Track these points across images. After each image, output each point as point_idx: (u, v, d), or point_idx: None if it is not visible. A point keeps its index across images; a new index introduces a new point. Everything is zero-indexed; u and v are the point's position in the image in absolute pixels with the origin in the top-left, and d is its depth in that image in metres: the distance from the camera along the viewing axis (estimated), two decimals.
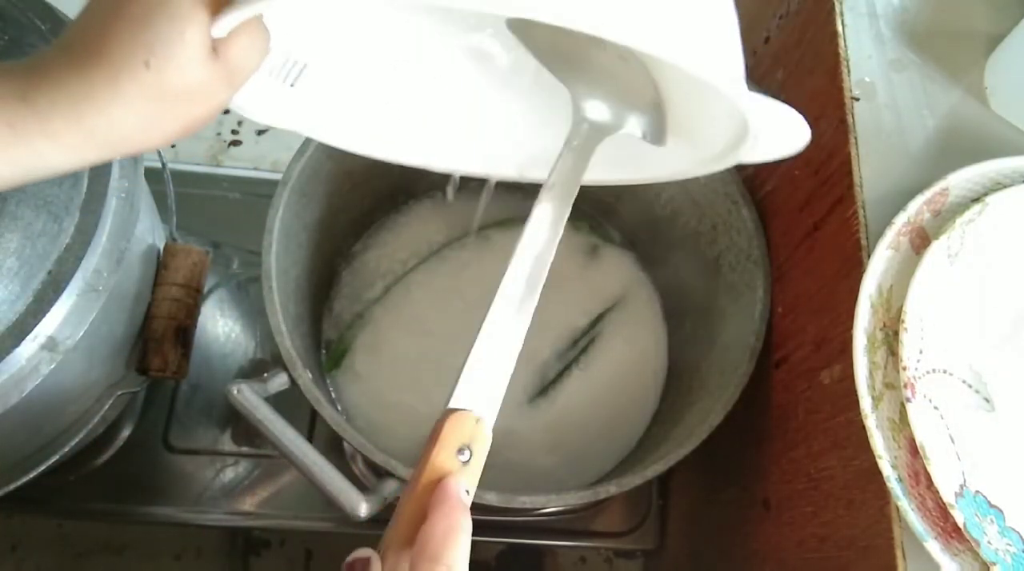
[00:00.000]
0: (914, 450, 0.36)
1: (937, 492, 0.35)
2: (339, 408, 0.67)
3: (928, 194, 0.42)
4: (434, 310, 0.70)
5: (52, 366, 0.47)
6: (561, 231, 0.36)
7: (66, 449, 0.60)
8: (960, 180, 0.43)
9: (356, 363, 0.68)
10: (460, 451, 0.31)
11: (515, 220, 0.73)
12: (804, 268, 0.50)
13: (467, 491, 0.30)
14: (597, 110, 0.40)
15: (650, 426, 0.68)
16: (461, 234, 0.73)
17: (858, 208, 0.43)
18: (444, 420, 0.32)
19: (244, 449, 0.76)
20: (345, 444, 0.71)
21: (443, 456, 0.31)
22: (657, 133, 0.40)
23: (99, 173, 0.49)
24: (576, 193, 0.38)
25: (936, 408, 0.37)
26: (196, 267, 0.64)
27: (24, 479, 0.58)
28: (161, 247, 0.63)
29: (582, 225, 0.74)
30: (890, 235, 0.41)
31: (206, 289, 0.70)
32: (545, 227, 0.36)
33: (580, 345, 0.70)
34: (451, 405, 0.32)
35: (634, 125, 0.40)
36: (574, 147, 0.39)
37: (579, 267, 0.73)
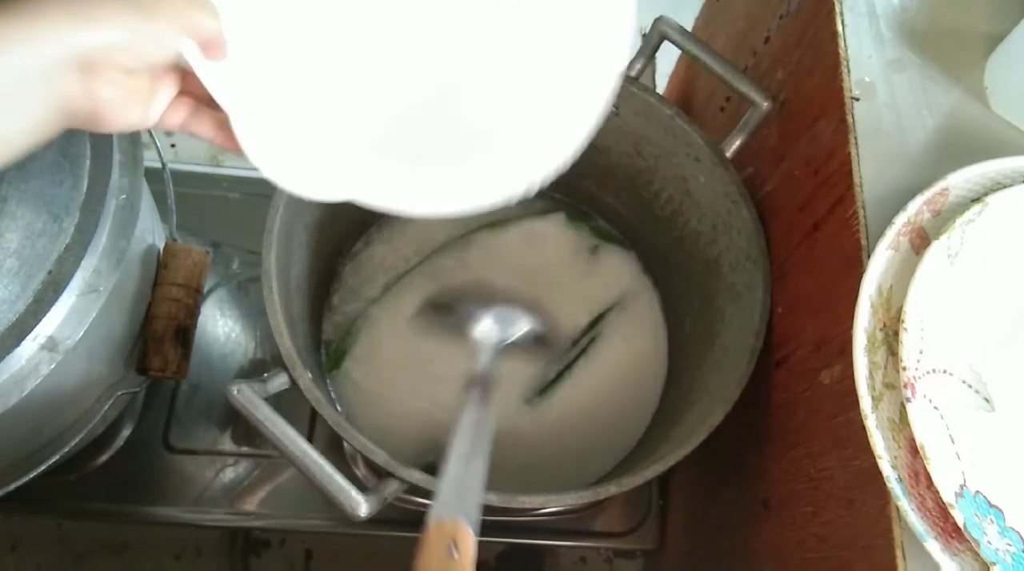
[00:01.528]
0: (914, 450, 0.36)
1: (937, 492, 0.35)
2: (339, 408, 0.67)
3: (928, 194, 0.42)
4: None
5: (52, 366, 0.47)
6: (492, 427, 0.44)
7: (66, 449, 0.60)
8: (960, 180, 0.43)
9: (355, 363, 0.68)
10: (448, 551, 0.33)
11: (512, 219, 0.73)
12: (804, 268, 0.50)
13: None
14: (487, 333, 0.52)
15: (650, 426, 0.68)
16: (461, 233, 0.73)
17: (858, 208, 0.43)
18: (428, 530, 0.34)
19: (244, 449, 0.76)
20: (345, 444, 0.71)
21: (434, 559, 0.33)
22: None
23: (99, 173, 0.50)
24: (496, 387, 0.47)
25: (936, 408, 0.37)
26: (196, 267, 0.64)
27: (24, 479, 0.58)
28: (161, 247, 0.63)
29: (582, 226, 0.74)
30: (890, 235, 0.41)
31: (206, 289, 0.70)
32: (470, 426, 0.43)
33: (580, 345, 0.70)
34: (433, 520, 0.34)
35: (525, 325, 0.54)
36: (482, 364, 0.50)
37: (580, 267, 0.73)
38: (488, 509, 0.48)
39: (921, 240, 0.41)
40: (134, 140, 0.53)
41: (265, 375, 0.51)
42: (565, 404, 0.68)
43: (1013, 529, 0.36)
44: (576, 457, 0.66)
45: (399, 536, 0.73)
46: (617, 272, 0.74)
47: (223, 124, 0.36)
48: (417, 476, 0.48)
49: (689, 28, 0.59)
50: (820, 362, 0.46)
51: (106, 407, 0.60)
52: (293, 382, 0.51)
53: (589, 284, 0.73)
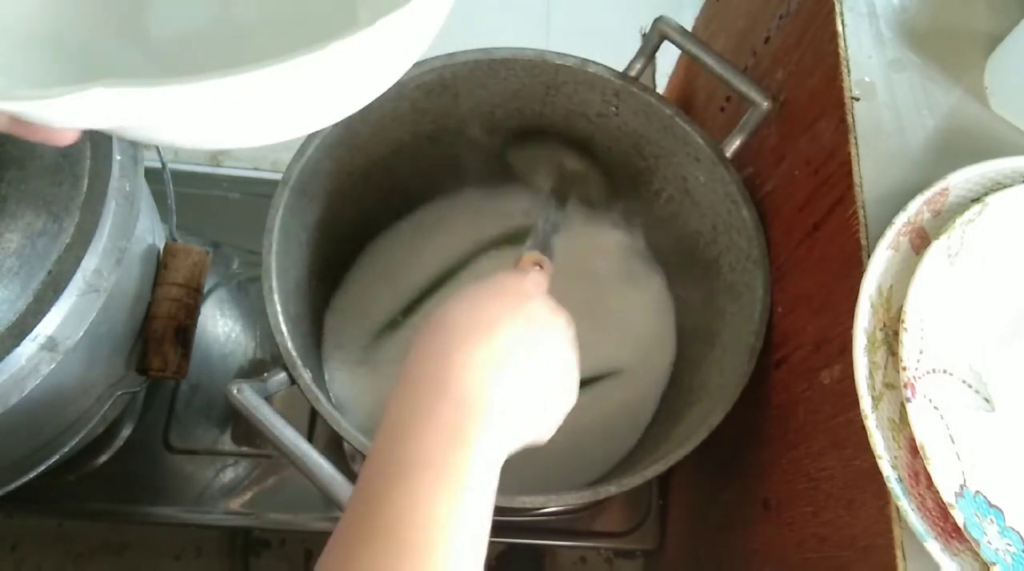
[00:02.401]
0: (914, 450, 0.36)
1: (937, 492, 0.35)
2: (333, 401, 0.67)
3: (928, 194, 0.42)
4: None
5: (52, 366, 0.47)
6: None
7: (66, 449, 0.60)
8: (960, 180, 0.43)
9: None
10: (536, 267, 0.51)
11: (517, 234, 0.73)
12: (804, 268, 0.50)
13: None
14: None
15: (650, 426, 0.68)
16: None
17: (858, 208, 0.43)
18: (525, 254, 0.53)
19: (244, 449, 0.76)
20: (345, 444, 0.70)
21: (528, 267, 0.52)
22: None
23: (99, 173, 0.50)
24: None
25: (936, 408, 0.37)
26: (196, 267, 0.64)
27: (24, 479, 0.58)
28: (161, 247, 0.63)
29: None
30: (890, 235, 0.41)
31: (206, 289, 0.70)
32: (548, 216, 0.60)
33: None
34: (528, 250, 0.54)
35: None
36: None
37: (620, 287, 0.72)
38: None
39: (921, 240, 0.41)
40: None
41: (265, 375, 0.51)
42: None
43: (1013, 529, 0.36)
44: (577, 457, 0.66)
45: None
46: (648, 293, 0.72)
47: None
48: None
49: (689, 28, 0.59)
50: (820, 362, 0.46)
51: (106, 407, 0.60)
52: (293, 381, 0.51)
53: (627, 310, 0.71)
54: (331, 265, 0.71)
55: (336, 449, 0.76)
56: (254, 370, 0.80)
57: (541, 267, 0.51)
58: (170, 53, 0.43)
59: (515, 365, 0.37)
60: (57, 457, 0.60)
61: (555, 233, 0.58)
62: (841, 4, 0.49)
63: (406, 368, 0.37)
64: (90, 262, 0.48)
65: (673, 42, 0.58)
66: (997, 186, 0.43)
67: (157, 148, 0.65)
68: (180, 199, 0.67)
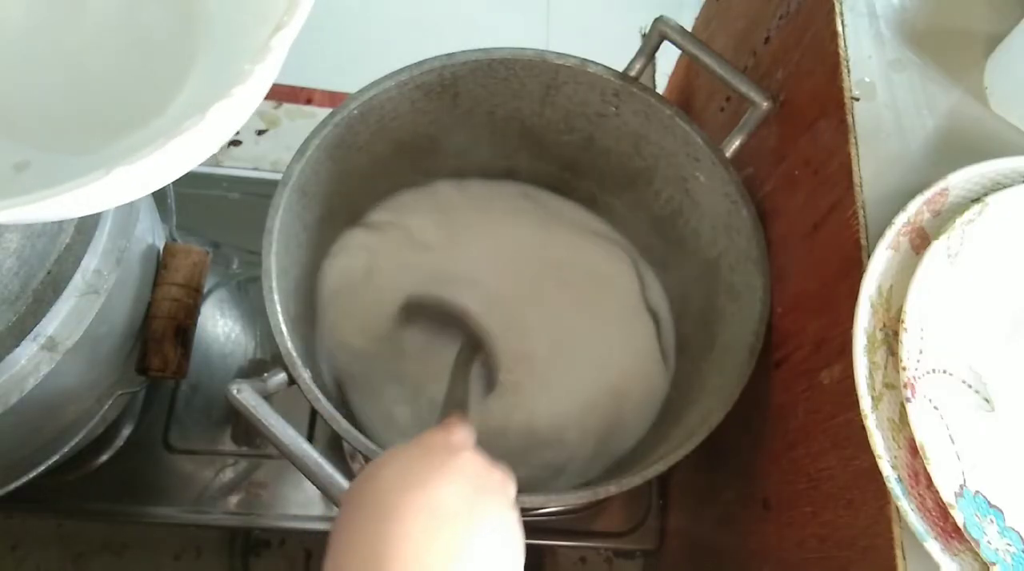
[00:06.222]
0: (914, 450, 0.36)
1: (937, 492, 0.35)
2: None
3: (928, 194, 0.42)
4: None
5: (52, 366, 0.48)
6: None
7: (66, 449, 0.60)
8: (960, 180, 0.43)
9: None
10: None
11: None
12: (804, 268, 0.50)
13: None
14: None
15: (650, 426, 0.68)
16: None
17: (858, 208, 0.43)
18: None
19: (244, 449, 0.76)
20: (345, 444, 0.70)
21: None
22: None
23: None
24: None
25: (936, 408, 0.37)
26: (196, 267, 0.64)
27: (24, 479, 0.58)
28: (161, 247, 0.63)
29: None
30: (890, 235, 0.41)
31: (206, 289, 0.70)
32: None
33: None
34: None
35: None
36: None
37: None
38: None
39: (921, 240, 0.41)
40: None
41: (265, 375, 0.51)
42: (566, 403, 0.68)
43: (1013, 529, 0.36)
44: (576, 456, 0.66)
45: None
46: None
47: None
48: None
49: (689, 28, 0.59)
50: (820, 362, 0.46)
51: (106, 407, 0.60)
52: (293, 381, 0.51)
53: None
54: None
55: (336, 449, 0.76)
56: (254, 370, 0.80)
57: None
58: None
59: (456, 529, 0.34)
60: (57, 457, 0.60)
61: (467, 397, 0.56)
62: (841, 4, 0.49)
63: (336, 540, 0.34)
64: (90, 262, 0.48)
65: (673, 42, 0.58)
66: (997, 186, 0.43)
67: None
68: (180, 199, 0.67)
